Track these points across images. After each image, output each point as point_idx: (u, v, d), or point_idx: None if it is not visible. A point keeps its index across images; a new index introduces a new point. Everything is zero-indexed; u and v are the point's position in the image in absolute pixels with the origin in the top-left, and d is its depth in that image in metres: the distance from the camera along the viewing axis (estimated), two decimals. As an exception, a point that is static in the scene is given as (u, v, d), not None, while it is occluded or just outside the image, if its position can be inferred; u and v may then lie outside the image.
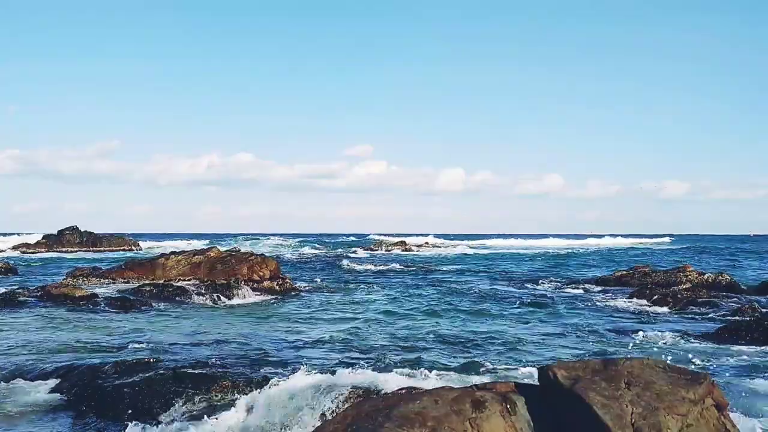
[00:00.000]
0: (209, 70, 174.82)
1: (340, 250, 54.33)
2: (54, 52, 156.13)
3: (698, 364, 9.21)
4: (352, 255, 45.01)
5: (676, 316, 14.64)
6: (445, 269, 31.21)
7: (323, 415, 6.14)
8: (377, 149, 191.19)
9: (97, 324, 12.84)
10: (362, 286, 21.33)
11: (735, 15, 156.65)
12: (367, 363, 9.29)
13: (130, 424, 6.40)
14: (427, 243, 62.86)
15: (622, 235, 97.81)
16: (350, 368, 9.03)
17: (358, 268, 31.38)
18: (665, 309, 15.64)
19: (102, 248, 51.00)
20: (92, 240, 52.69)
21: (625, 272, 23.78)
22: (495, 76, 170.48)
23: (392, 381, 7.27)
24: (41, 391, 7.49)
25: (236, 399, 6.81)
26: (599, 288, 20.73)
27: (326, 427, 4.71)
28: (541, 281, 23.36)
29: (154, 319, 13.65)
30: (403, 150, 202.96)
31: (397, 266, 31.82)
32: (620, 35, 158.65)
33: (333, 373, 7.46)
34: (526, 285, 22.04)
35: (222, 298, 17.08)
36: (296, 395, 6.59)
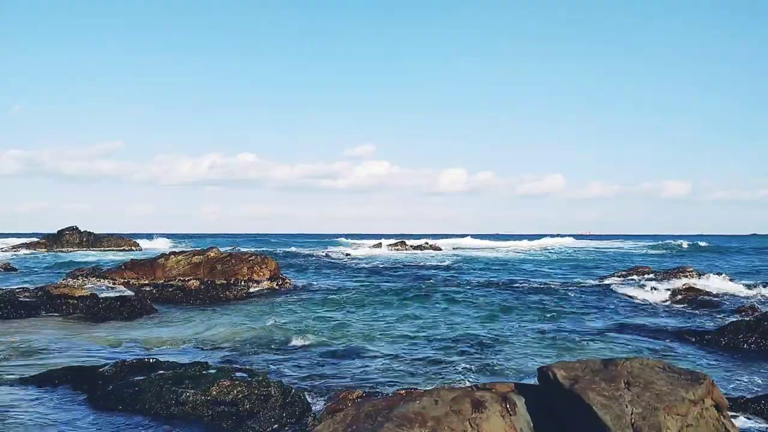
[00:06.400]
0: (212, 70, 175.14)
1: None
2: (57, 52, 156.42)
3: (698, 364, 9.20)
4: (334, 254, 45.05)
5: (676, 315, 14.63)
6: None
7: (323, 414, 6.13)
8: (379, 149, 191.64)
9: (96, 325, 12.84)
10: (350, 286, 21.34)
11: (736, 15, 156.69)
12: (368, 364, 9.29)
13: (130, 424, 6.41)
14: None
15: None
16: (353, 371, 9.06)
17: (350, 265, 31.40)
18: (665, 309, 15.63)
19: (102, 248, 50.98)
20: (92, 240, 52.62)
21: (625, 272, 23.81)
22: (497, 77, 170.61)
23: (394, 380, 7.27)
24: (42, 392, 7.48)
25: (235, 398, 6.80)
26: (599, 287, 20.72)
27: (326, 427, 4.70)
28: (540, 281, 23.36)
29: (154, 319, 13.65)
30: (405, 150, 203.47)
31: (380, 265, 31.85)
32: (621, 34, 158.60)
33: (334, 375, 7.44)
34: (534, 286, 22.03)
35: (222, 298, 17.08)
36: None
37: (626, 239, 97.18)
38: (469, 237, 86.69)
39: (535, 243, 70.61)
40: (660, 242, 71.71)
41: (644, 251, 55.70)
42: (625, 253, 53.34)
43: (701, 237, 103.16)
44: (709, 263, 35.74)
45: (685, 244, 63.62)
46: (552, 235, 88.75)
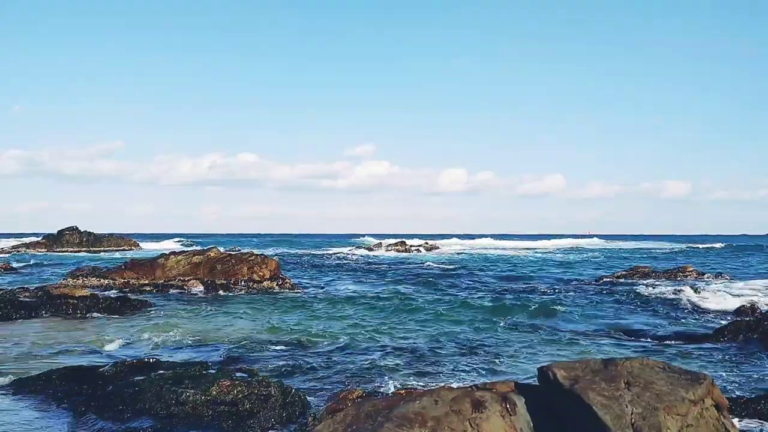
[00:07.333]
0: (212, 70, 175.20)
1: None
2: (57, 52, 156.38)
3: (698, 364, 9.20)
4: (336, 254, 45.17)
5: (676, 315, 14.62)
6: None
7: (323, 414, 6.13)
8: (379, 149, 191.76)
9: (97, 324, 12.84)
10: (350, 285, 21.35)
11: (736, 15, 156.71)
12: (368, 363, 9.29)
13: (130, 424, 6.40)
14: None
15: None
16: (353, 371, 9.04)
17: (348, 266, 31.42)
18: (666, 308, 15.63)
19: (102, 248, 50.95)
20: (92, 240, 52.61)
21: (625, 272, 23.82)
22: (497, 77, 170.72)
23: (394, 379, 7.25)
24: (43, 392, 7.48)
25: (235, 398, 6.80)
26: (599, 288, 20.71)
27: (326, 427, 4.70)
28: (540, 281, 23.35)
29: (154, 319, 13.64)
30: (405, 150, 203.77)
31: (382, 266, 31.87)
32: (621, 34, 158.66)
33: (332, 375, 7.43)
34: (537, 284, 22.02)
35: (221, 298, 17.08)
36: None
37: (647, 240, 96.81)
38: (478, 237, 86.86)
39: (541, 243, 70.66)
40: (681, 244, 71.64)
41: (656, 251, 55.62)
42: (633, 252, 53.38)
43: (706, 237, 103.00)
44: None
45: (717, 245, 64.11)
46: (578, 235, 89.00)
